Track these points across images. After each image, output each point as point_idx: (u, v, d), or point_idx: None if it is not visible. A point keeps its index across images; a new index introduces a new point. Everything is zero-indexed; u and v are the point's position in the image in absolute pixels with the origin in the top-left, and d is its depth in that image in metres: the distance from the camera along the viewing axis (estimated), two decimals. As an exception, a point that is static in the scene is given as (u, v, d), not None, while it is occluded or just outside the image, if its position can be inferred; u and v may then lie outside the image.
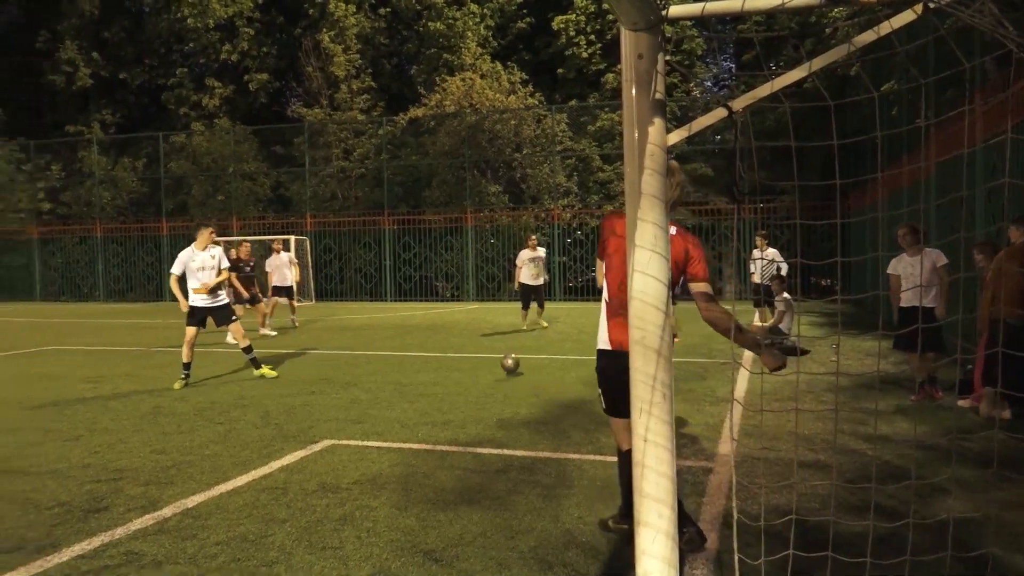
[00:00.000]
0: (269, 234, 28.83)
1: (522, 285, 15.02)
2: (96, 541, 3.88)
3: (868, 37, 1.88)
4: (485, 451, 5.58)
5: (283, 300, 16.27)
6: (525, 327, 15.06)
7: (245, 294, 12.84)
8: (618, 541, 3.81)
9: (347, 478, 4.92)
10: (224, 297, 9.59)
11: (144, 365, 10.73)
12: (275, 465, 5.27)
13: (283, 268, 16.22)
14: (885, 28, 1.85)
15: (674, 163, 3.72)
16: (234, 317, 9.59)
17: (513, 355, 9.27)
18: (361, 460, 5.37)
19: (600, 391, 3.83)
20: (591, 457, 5.37)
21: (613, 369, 3.63)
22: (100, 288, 31.57)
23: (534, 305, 15.17)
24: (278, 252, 16.58)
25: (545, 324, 15.51)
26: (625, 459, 3.76)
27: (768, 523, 3.66)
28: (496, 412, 6.98)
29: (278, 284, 16.20)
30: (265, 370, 9.54)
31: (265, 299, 15.51)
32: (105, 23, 35.69)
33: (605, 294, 3.77)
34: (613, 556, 3.65)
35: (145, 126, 36.23)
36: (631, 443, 2.07)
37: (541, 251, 15.41)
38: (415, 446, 5.76)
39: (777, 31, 25.34)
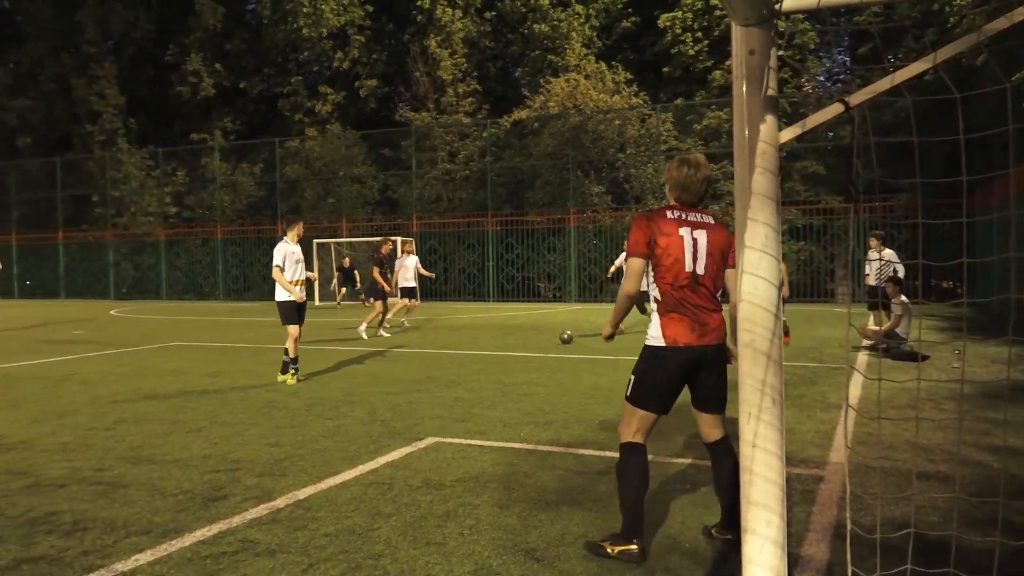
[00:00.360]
0: (377, 235, 29.66)
1: None
2: (215, 528, 4.08)
3: (1001, 24, 1.77)
4: (587, 452, 5.56)
5: (406, 301, 16.82)
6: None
7: (388, 288, 13.61)
8: (723, 547, 3.72)
9: (450, 475, 5.00)
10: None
11: (259, 361, 11.22)
12: (381, 461, 5.40)
13: (410, 269, 16.80)
14: (1020, 14, 1.74)
15: (700, 157, 3.72)
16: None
17: (568, 331, 10.87)
18: (464, 458, 5.44)
19: (635, 380, 3.82)
20: (695, 461, 5.26)
21: (668, 366, 3.72)
22: (220, 287, 33.22)
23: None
24: (408, 253, 17.32)
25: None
26: (631, 452, 3.72)
27: (884, 536, 3.50)
28: (598, 413, 6.94)
29: (404, 285, 16.84)
30: (288, 377, 9.12)
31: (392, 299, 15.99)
32: (227, 36, 37.60)
33: (655, 292, 3.70)
34: (717, 563, 3.57)
35: (262, 132, 37.93)
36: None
37: None
38: (517, 445, 5.79)
39: (897, 21, 24.22)
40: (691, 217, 3.67)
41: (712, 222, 3.73)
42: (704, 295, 3.64)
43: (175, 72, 38.07)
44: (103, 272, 35.63)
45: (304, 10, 33.93)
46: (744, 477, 2.01)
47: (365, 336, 14.36)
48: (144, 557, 3.68)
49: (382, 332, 14.84)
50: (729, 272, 3.68)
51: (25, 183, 38.38)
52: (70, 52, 39.64)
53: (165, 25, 39.99)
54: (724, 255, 3.68)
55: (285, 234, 9.44)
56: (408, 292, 16.83)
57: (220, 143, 36.14)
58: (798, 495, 4.49)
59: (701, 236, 3.64)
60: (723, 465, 3.76)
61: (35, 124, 40.77)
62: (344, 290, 26.04)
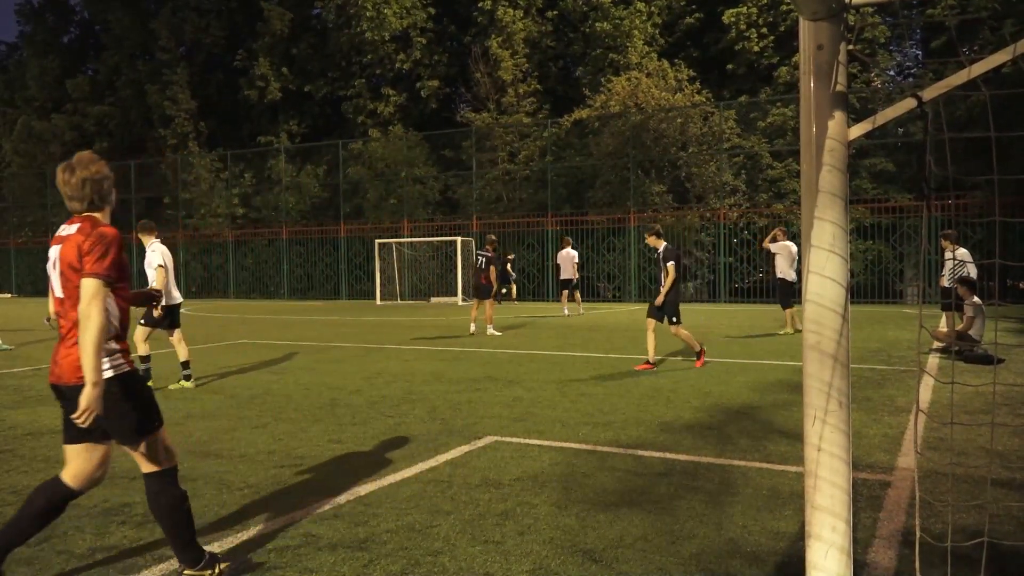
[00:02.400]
0: (438, 236, 29.92)
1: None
2: (279, 522, 4.17)
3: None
4: (646, 453, 5.51)
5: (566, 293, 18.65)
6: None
7: (494, 287, 14.41)
8: (786, 552, 3.64)
9: (509, 474, 5.01)
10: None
11: (321, 359, 11.42)
12: (441, 459, 5.44)
13: (570, 262, 18.39)
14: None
15: (84, 155, 3.29)
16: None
17: None
18: (523, 457, 5.44)
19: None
20: (757, 464, 5.17)
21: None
22: (284, 287, 33.95)
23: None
24: (567, 246, 18.75)
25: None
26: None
27: (955, 544, 3.38)
28: (658, 414, 6.87)
29: (564, 277, 18.52)
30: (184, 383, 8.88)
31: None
32: (293, 40, 38.43)
33: None
34: (780, 568, 3.49)
35: (327, 134, 38.65)
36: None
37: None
38: (576, 446, 5.77)
39: (972, 14, 23.35)
40: (62, 231, 3.22)
41: (72, 231, 3.17)
42: (65, 324, 3.20)
43: (243, 76, 39.09)
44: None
45: (367, 14, 34.44)
46: (808, 481, 1.96)
47: (496, 332, 14.76)
48: (211, 549, 3.78)
49: (492, 331, 14.86)
50: (84, 282, 3.05)
51: (102, 186, 39.80)
52: (145, 59, 41.06)
53: (234, 31, 41.11)
54: (75, 270, 3.11)
55: (152, 240, 9.18)
56: (567, 284, 18.71)
57: (286, 145, 36.95)
58: (864, 500, 4.37)
59: (55, 252, 3.20)
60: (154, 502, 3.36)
61: (112, 129, 42.35)
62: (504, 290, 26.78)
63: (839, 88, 1.88)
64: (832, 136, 1.89)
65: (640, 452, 5.55)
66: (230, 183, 36.29)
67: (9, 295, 40.22)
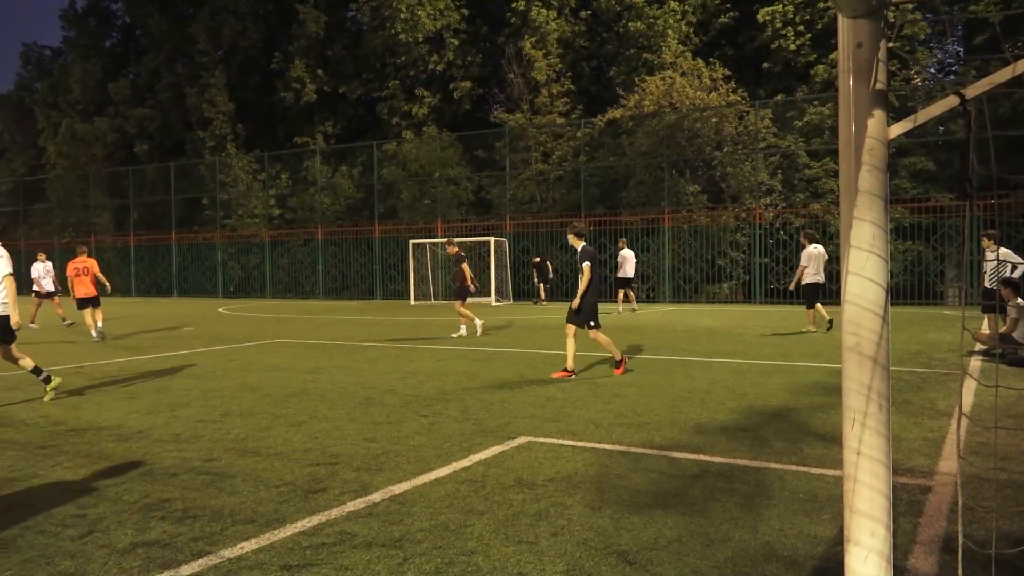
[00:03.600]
0: (471, 236, 30.01)
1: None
2: (315, 520, 4.21)
3: None
4: (680, 455, 5.47)
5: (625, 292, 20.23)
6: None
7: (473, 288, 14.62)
8: (823, 557, 3.60)
9: (542, 475, 5.01)
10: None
11: (356, 359, 11.52)
12: (474, 458, 5.46)
13: (627, 262, 20.18)
14: None
15: None
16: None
17: None
18: (556, 458, 5.44)
19: None
20: (794, 468, 5.11)
21: None
22: (320, 286, 34.28)
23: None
24: (623, 247, 20.14)
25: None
26: None
27: (999, 551, 3.31)
28: (692, 416, 6.82)
29: (621, 276, 19.95)
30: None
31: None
32: (329, 42, 38.83)
33: None
34: (817, 573, 3.45)
35: (361, 136, 38.97)
36: None
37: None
38: (609, 447, 5.75)
39: (1017, 9, 22.85)
40: None
41: None
42: None
43: (280, 79, 39.57)
44: (212, 271, 37.32)
45: (401, 15, 34.65)
46: (847, 485, 1.93)
47: (479, 333, 14.75)
48: (249, 545, 3.83)
49: (464, 331, 14.92)
50: None
51: (142, 187, 40.66)
52: (184, 62, 41.74)
53: (271, 34, 41.64)
54: None
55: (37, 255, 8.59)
56: (624, 283, 20.09)
57: (321, 147, 37.32)
58: (904, 505, 4.30)
59: None
60: None
61: (152, 131, 43.13)
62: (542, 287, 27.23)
63: (879, 86, 1.86)
64: (872, 135, 1.86)
65: (674, 454, 5.52)
66: (267, 184, 36.74)
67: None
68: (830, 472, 4.96)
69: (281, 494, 4.68)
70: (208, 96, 39.57)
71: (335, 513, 4.30)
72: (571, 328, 9.34)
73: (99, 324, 15.03)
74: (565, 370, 9.30)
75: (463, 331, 14.77)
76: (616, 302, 21.08)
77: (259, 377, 9.63)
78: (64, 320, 18.68)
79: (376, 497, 4.58)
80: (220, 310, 25.65)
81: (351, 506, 4.42)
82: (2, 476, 5.17)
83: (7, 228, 45.38)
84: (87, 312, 15.02)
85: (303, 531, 4.03)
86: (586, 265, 9.19)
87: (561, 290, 29.07)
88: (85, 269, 15.26)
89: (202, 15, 40.80)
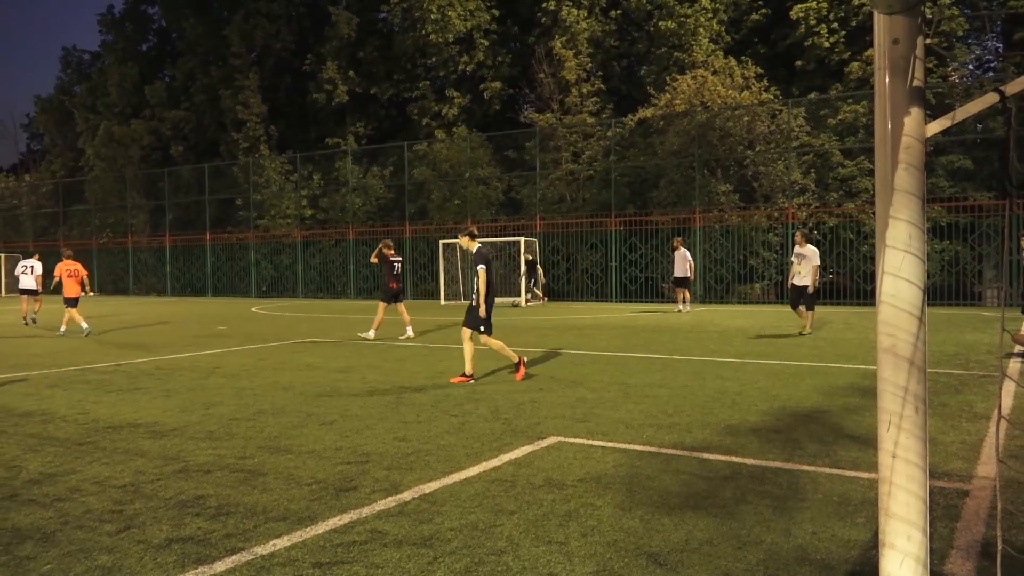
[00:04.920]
0: (501, 236, 30.05)
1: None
2: (346, 518, 4.24)
3: None
4: (712, 457, 5.43)
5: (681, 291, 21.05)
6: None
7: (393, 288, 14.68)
8: (858, 561, 3.55)
9: (572, 475, 5.00)
10: None
11: (387, 358, 11.59)
12: (504, 458, 5.47)
13: (683, 261, 20.62)
14: None
15: None
16: None
17: None
18: (586, 458, 5.43)
19: None
20: (827, 470, 5.04)
21: None
22: (351, 286, 34.53)
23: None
24: (677, 248, 20.71)
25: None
26: None
27: (1041, 560, 3.24)
28: (724, 417, 6.76)
29: (678, 275, 20.63)
30: None
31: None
32: (360, 44, 39.11)
33: None
34: (853, 579, 3.40)
35: (392, 136, 39.19)
36: None
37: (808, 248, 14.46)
38: (639, 447, 5.72)
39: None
40: None
41: None
42: None
43: (312, 80, 39.94)
44: (245, 271, 37.77)
45: (432, 16, 34.78)
46: (883, 488, 1.90)
47: (371, 336, 14.54)
48: (281, 542, 3.87)
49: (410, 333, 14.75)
50: None
51: (177, 188, 41.27)
52: (218, 65, 42.28)
53: (303, 36, 42.06)
54: None
55: None
56: (681, 282, 20.80)
57: (353, 147, 37.59)
58: (941, 510, 4.22)
59: None
60: None
61: (187, 133, 43.78)
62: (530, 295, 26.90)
63: (916, 83, 1.83)
64: (908, 133, 1.83)
65: (705, 455, 5.48)
66: (299, 185, 37.09)
67: (92, 294, 41.89)
68: (864, 475, 4.89)
69: (313, 492, 4.72)
70: (242, 98, 40.07)
71: (366, 511, 4.33)
72: (466, 332, 9.20)
73: (83, 323, 16.18)
74: (462, 375, 9.12)
75: (409, 332, 14.59)
76: (676, 302, 21.97)
77: (291, 376, 9.73)
78: (31, 317, 19.28)
79: (406, 496, 4.60)
80: (253, 309, 25.94)
81: (382, 505, 4.44)
82: (42, 471, 5.28)
83: (47, 229, 46.34)
84: (75, 311, 16.28)
85: (334, 529, 4.06)
86: (480, 268, 8.96)
87: (591, 290, 29.01)
88: (75, 272, 16.82)
89: (236, 18, 41.31)
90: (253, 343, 14.04)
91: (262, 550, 3.77)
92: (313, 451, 5.76)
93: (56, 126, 53.03)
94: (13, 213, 48.25)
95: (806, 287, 14.15)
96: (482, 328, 9.07)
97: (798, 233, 14.76)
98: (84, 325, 15.96)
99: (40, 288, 20.03)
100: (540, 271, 27.30)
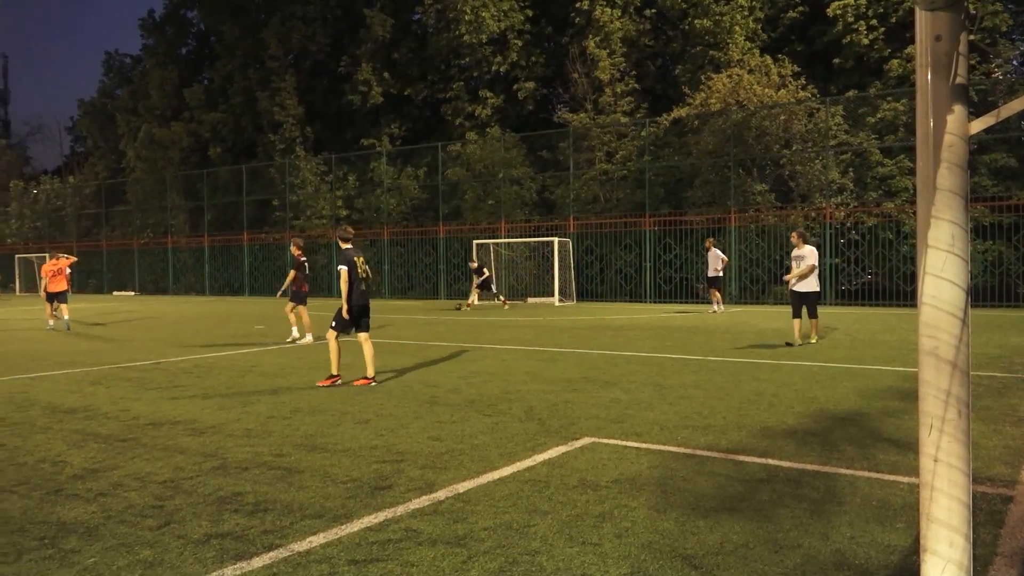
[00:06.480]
0: (534, 236, 30.04)
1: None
2: (381, 516, 4.28)
3: None
4: (747, 459, 5.38)
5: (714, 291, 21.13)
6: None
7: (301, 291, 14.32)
8: (898, 567, 3.49)
9: (606, 476, 4.99)
10: None
11: (421, 358, 11.65)
12: (538, 458, 5.47)
13: (715, 261, 20.66)
14: None
15: None
16: None
17: None
18: (620, 460, 5.41)
19: None
20: (865, 474, 4.97)
21: None
22: (386, 286, 34.76)
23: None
24: (709, 248, 20.92)
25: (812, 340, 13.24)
26: None
27: (1089, 568, 3.16)
28: (760, 419, 6.69)
29: (711, 275, 20.85)
30: None
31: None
32: (394, 45, 39.38)
33: None
34: (892, 585, 3.35)
35: (426, 137, 39.38)
36: None
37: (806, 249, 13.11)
38: (674, 449, 5.69)
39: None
40: None
41: None
42: None
43: (347, 82, 40.29)
44: (282, 271, 38.12)
45: (466, 17, 34.89)
46: (924, 493, 1.87)
47: (308, 340, 14.27)
48: (317, 539, 3.92)
49: (309, 338, 14.44)
50: None
51: (215, 189, 41.91)
52: (255, 68, 42.86)
53: (338, 38, 42.45)
54: None
55: None
56: (713, 282, 20.91)
57: (387, 148, 37.84)
58: (984, 515, 4.14)
59: None
60: None
61: (225, 135, 44.43)
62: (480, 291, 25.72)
63: (959, 80, 1.79)
64: (951, 131, 1.80)
65: (741, 457, 5.43)
66: (334, 186, 37.43)
67: (133, 293, 42.71)
68: (904, 479, 4.81)
69: (348, 490, 4.77)
70: (278, 100, 40.55)
71: (400, 510, 4.36)
72: (332, 333, 9.25)
73: (65, 316, 17.99)
74: (364, 378, 9.13)
75: (295, 333, 14.35)
76: (710, 302, 21.99)
77: (326, 375, 9.81)
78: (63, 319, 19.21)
79: (440, 495, 4.63)
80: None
81: (416, 503, 4.47)
82: (86, 467, 5.40)
83: (91, 229, 47.34)
84: (62, 306, 18.11)
85: (369, 527, 4.10)
86: (341, 269, 9.01)
87: (624, 290, 28.89)
88: (60, 269, 18.37)
89: (273, 21, 41.82)
90: (290, 342, 14.19)
91: (298, 547, 3.82)
92: (348, 449, 5.81)
93: (99, 129, 54.16)
94: (58, 214, 49.35)
95: (808, 293, 12.71)
96: (333, 324, 9.18)
97: (795, 233, 13.29)
98: (64, 316, 17.86)
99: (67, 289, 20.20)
100: (487, 274, 25.63)
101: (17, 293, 43.73)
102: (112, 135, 52.05)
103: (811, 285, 12.76)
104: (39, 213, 49.77)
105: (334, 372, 9.18)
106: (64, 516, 4.34)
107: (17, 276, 46.02)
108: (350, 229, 9.56)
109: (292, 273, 14.37)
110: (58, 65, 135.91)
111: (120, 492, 4.77)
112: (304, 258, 14.55)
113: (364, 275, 9.20)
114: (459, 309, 24.32)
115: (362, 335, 9.22)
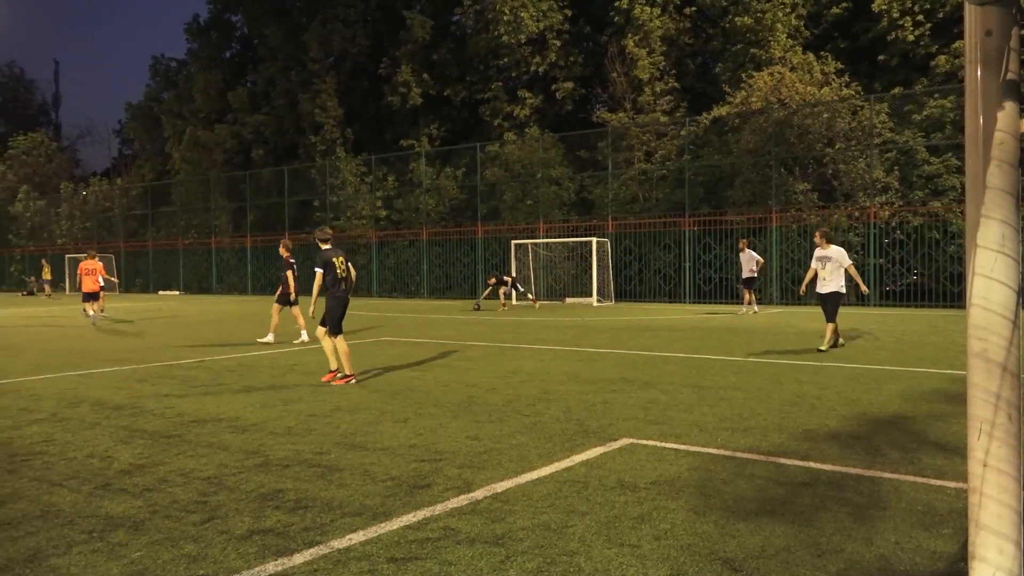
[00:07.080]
0: (573, 236, 29.97)
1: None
2: (419, 515, 4.30)
3: None
4: (789, 462, 5.30)
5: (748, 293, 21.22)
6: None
7: (293, 294, 14.44)
8: (944, 572, 3.42)
9: (644, 478, 4.96)
10: None
11: (459, 357, 11.69)
12: (576, 459, 5.45)
13: (749, 262, 20.88)
14: None
15: None
16: None
17: None
18: (659, 461, 5.37)
19: None
20: (910, 478, 4.87)
21: None
22: (424, 286, 34.97)
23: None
24: (743, 249, 21.10)
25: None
26: None
27: None
28: (801, 421, 6.60)
29: (746, 276, 21.03)
30: None
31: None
32: (434, 46, 39.63)
33: None
34: (939, 592, 3.28)
35: (465, 138, 39.54)
36: None
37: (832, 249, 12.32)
38: (714, 451, 5.63)
39: None
40: None
41: None
42: None
43: (387, 84, 40.63)
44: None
45: (505, 18, 34.96)
46: (972, 499, 1.83)
47: (271, 340, 14.28)
48: (357, 537, 3.95)
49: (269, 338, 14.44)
50: None
51: (258, 190, 42.55)
52: (297, 70, 43.43)
53: (378, 40, 42.84)
54: None
55: None
56: (749, 283, 21.01)
57: (426, 149, 38.07)
58: (1036, 524, 4.02)
59: None
60: None
61: (267, 137, 45.10)
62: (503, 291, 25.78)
63: (1010, 76, 1.75)
64: (1001, 128, 1.76)
65: (782, 460, 5.36)
66: (374, 186, 37.76)
67: (177, 292, 43.54)
68: (951, 484, 4.71)
69: (387, 488, 4.80)
70: (319, 102, 41.04)
71: (439, 509, 4.38)
72: (321, 330, 9.40)
73: (97, 313, 19.25)
74: (339, 375, 9.24)
75: (270, 338, 14.34)
76: (741, 303, 22.04)
77: (366, 374, 9.91)
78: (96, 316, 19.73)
79: (479, 494, 4.64)
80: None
81: (454, 502, 4.49)
82: (133, 463, 5.52)
83: (137, 230, 48.39)
84: (88, 304, 19.30)
85: (408, 525, 4.12)
86: (317, 271, 9.26)
87: (664, 291, 28.69)
88: (92, 270, 19.25)
89: (314, 24, 42.34)
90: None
91: (338, 544, 3.86)
92: (388, 448, 5.85)
93: (145, 131, 55.35)
94: (106, 215, 50.52)
95: (828, 294, 11.95)
96: (324, 325, 9.35)
97: (818, 232, 12.52)
98: (91, 313, 18.98)
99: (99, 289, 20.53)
100: (509, 280, 25.89)
101: (67, 292, 44.81)
102: (158, 138, 53.15)
103: (832, 286, 11.96)
104: (88, 214, 51.00)
105: (332, 367, 9.35)
106: (112, 510, 4.44)
107: (67, 276, 47.22)
108: (328, 229, 9.83)
109: (291, 275, 14.63)
110: (107, 70, 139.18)
111: (165, 488, 4.87)
112: (293, 260, 14.84)
113: (343, 275, 9.41)
114: (478, 309, 24.51)
115: (319, 331, 9.45)
